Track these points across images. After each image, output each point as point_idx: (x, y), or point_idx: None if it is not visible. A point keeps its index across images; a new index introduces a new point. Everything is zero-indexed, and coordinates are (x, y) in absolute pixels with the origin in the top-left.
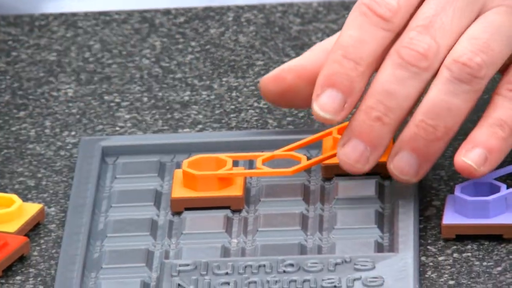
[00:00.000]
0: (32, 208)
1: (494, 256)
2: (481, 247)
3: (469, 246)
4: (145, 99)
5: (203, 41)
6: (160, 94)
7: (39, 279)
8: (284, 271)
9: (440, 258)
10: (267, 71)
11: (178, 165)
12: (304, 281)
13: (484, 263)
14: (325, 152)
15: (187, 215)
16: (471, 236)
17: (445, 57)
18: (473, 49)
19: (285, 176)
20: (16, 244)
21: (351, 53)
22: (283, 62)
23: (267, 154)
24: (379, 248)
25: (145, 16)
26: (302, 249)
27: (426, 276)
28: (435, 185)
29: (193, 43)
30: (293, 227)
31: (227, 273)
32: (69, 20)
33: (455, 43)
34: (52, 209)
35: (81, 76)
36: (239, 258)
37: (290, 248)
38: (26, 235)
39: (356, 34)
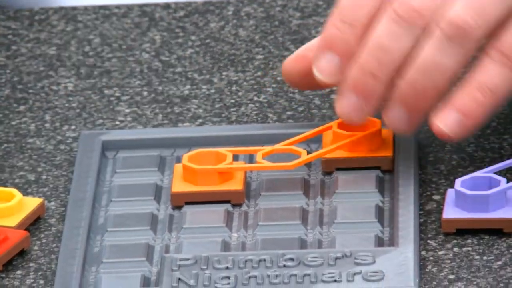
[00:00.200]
0: (32, 203)
1: (494, 250)
2: (481, 241)
3: (469, 241)
4: (145, 93)
5: (203, 35)
6: (160, 88)
7: (39, 273)
8: (285, 266)
9: (440, 253)
10: (267, 65)
11: (178, 159)
12: (305, 275)
13: (484, 257)
14: (325, 146)
15: (188, 209)
16: (471, 231)
17: (440, 16)
18: (467, 11)
19: (285, 170)
20: (16, 239)
21: (347, 17)
22: (283, 56)
23: (267, 148)
24: (379, 242)
25: (145, 10)
26: (303, 243)
27: (426, 270)
28: (435, 179)
29: (193, 37)
30: (293, 221)
31: (227, 268)
32: (69, 14)
33: (450, 3)
34: (52, 203)
35: (81, 70)
36: (239, 252)
37: (291, 242)
38: (26, 229)
39: None
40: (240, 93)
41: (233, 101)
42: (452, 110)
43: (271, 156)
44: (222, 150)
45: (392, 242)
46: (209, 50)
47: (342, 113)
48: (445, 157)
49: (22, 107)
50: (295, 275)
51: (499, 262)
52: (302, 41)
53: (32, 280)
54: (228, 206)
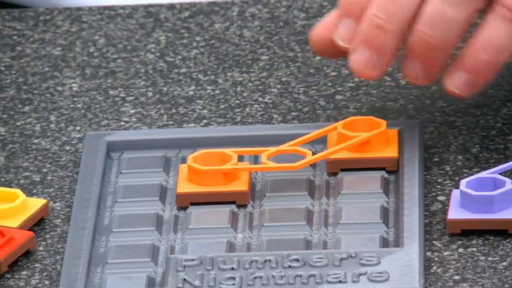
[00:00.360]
0: (36, 203)
1: (500, 251)
2: (486, 242)
3: (474, 241)
4: (150, 94)
5: (208, 36)
6: (165, 89)
7: (44, 274)
8: (290, 266)
9: (445, 253)
10: (272, 66)
11: (183, 160)
12: (310, 276)
13: (490, 258)
14: (330, 147)
15: (193, 210)
16: (476, 231)
17: None
18: None
19: (290, 171)
20: (21, 239)
21: None
22: (288, 57)
23: (272, 149)
24: (385, 243)
25: (150, 11)
26: (308, 244)
27: (432, 271)
28: (440, 180)
29: (198, 38)
30: (298, 222)
31: (232, 268)
32: (74, 14)
33: None
34: (58, 204)
35: (86, 70)
36: (244, 253)
37: (296, 243)
38: (32, 230)
39: None
40: (245, 94)
41: (238, 101)
42: (461, 71)
43: (276, 156)
44: (227, 150)
45: (397, 243)
46: (214, 51)
47: (356, 69)
48: (450, 158)
49: (27, 108)
50: (300, 275)
51: (504, 263)
52: (307, 42)
53: (37, 281)
54: (233, 207)
